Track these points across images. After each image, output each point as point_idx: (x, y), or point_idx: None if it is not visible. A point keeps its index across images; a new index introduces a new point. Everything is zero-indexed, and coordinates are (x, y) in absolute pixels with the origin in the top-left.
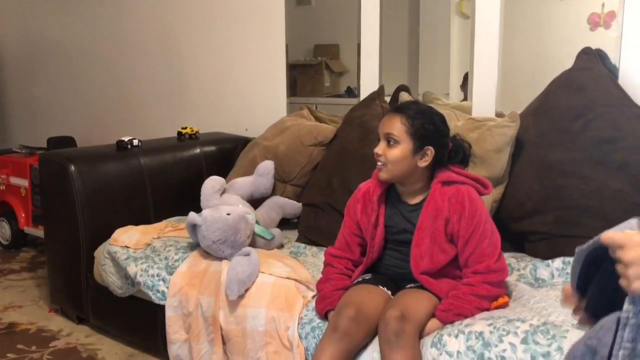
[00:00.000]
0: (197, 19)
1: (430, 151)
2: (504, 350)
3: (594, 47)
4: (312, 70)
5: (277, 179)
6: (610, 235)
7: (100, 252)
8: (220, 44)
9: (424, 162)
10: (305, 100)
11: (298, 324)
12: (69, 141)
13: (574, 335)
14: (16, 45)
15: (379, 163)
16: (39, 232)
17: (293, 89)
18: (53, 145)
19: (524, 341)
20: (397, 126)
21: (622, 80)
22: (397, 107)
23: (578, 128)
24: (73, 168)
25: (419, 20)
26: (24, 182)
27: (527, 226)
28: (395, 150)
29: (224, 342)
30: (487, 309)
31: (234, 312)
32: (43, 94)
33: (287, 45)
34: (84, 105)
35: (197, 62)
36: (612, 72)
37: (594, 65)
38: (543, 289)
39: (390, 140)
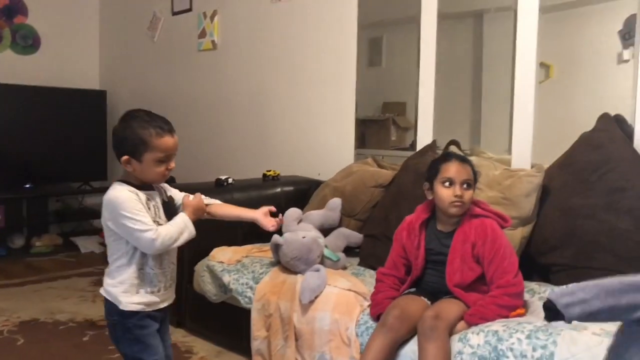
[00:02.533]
0: (283, 80)
1: (475, 191)
2: (513, 344)
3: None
4: (380, 125)
5: (343, 214)
6: None
7: (200, 266)
8: (301, 102)
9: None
10: (373, 152)
11: (355, 325)
12: (171, 180)
13: (567, 334)
14: (128, 98)
15: (457, 202)
16: None
17: (362, 141)
18: None
19: (528, 337)
20: (470, 173)
21: (637, 141)
22: (462, 158)
23: (595, 179)
24: None
25: (482, 78)
26: None
27: (551, 259)
28: (470, 191)
29: (296, 339)
30: (506, 317)
31: (306, 314)
32: None
33: (356, 103)
34: (185, 149)
35: (281, 117)
36: (629, 134)
37: (611, 127)
38: None
39: (467, 184)
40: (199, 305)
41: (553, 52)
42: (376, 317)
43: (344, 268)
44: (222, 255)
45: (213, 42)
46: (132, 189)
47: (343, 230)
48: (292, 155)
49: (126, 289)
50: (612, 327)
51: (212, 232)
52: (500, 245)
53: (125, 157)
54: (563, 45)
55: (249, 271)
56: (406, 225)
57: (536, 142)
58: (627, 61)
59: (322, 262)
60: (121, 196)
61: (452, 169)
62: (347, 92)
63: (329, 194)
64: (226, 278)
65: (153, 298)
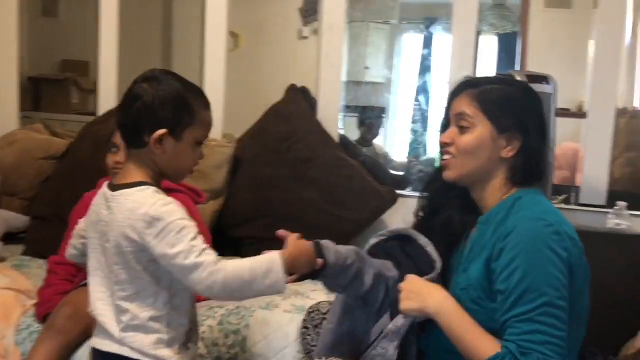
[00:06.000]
0: None
1: None
2: (204, 332)
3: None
4: (58, 86)
5: (2, 192)
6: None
7: None
8: None
9: None
10: (49, 116)
11: (15, 332)
12: None
13: (260, 314)
14: None
15: (115, 169)
16: None
17: (36, 103)
18: None
19: (220, 322)
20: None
21: (319, 113)
22: None
23: (284, 149)
24: None
25: (172, 45)
26: None
27: (243, 232)
28: None
29: None
30: (198, 300)
31: None
32: None
33: (24, 58)
34: None
35: None
36: (313, 105)
37: (298, 99)
38: None
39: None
40: None
41: (242, 21)
42: (42, 318)
43: (2, 260)
44: None
45: None
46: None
47: (2, 212)
48: None
49: (179, 349)
50: (303, 301)
51: None
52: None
53: (161, 131)
54: (251, 16)
55: None
56: (85, 203)
57: (228, 112)
58: (306, 37)
59: None
60: (171, 208)
61: (118, 134)
62: (6, 44)
63: None
64: None
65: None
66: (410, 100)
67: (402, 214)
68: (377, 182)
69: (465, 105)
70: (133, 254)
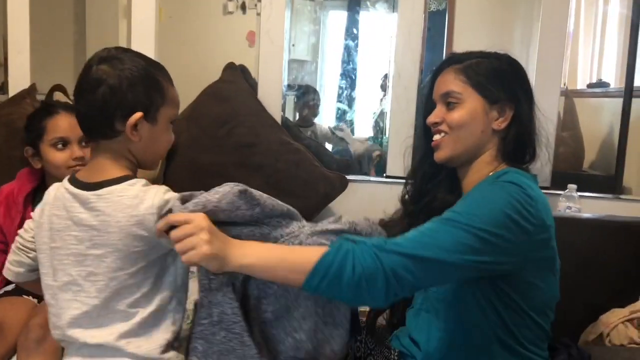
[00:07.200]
0: None
1: None
2: None
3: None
4: None
5: None
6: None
7: None
8: None
9: None
10: None
11: None
12: None
13: None
14: None
15: (78, 167)
16: None
17: None
18: None
19: None
20: None
21: (260, 94)
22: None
23: (223, 134)
24: None
25: (85, 20)
26: None
27: None
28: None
29: None
30: None
31: None
32: None
33: None
34: None
35: None
36: (253, 85)
37: (237, 79)
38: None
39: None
40: None
41: None
42: None
43: None
44: None
45: None
46: None
47: None
48: None
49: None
50: None
51: None
52: None
53: (137, 116)
54: None
55: None
56: (4, 198)
57: None
58: (231, 13)
59: None
60: (172, 194)
61: (62, 125)
62: None
63: None
64: None
65: None
66: (335, 78)
67: (351, 200)
68: (325, 167)
69: (451, 83)
70: (142, 252)
